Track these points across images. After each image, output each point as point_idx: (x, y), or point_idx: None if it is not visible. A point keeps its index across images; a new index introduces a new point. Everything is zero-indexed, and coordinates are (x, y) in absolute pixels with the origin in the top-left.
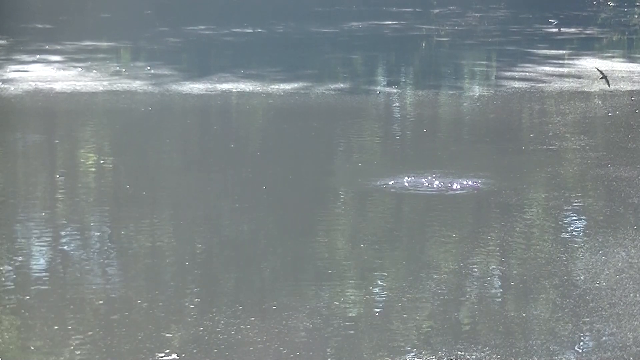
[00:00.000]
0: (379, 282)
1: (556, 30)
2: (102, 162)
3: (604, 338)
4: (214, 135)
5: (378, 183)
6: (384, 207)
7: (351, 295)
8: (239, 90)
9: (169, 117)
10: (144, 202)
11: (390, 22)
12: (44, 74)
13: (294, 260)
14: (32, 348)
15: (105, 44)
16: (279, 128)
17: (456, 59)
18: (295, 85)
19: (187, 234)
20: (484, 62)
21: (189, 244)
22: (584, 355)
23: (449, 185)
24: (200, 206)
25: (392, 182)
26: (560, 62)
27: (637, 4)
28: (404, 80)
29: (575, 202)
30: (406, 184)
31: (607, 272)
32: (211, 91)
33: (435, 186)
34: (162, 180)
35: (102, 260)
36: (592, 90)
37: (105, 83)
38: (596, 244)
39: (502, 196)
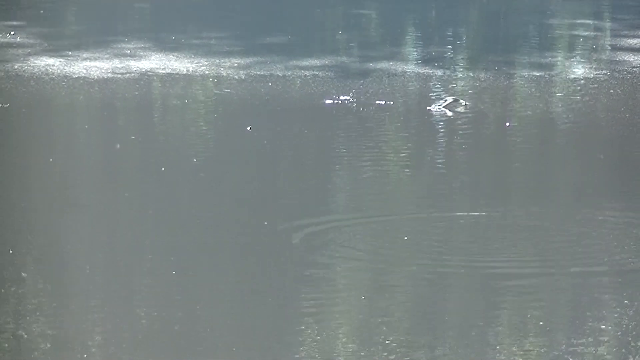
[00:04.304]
0: None
1: None
2: None
3: None
4: (122, 158)
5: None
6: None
7: None
8: (169, 71)
9: (44, 121)
10: None
11: None
12: None
13: None
14: None
15: None
16: (244, 141)
17: (543, 18)
18: (262, 60)
19: None
20: (589, 23)
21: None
22: None
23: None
24: None
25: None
26: None
27: None
28: (452, 53)
29: None
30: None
31: None
32: (121, 73)
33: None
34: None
35: None
36: None
37: None
38: None
39: None
